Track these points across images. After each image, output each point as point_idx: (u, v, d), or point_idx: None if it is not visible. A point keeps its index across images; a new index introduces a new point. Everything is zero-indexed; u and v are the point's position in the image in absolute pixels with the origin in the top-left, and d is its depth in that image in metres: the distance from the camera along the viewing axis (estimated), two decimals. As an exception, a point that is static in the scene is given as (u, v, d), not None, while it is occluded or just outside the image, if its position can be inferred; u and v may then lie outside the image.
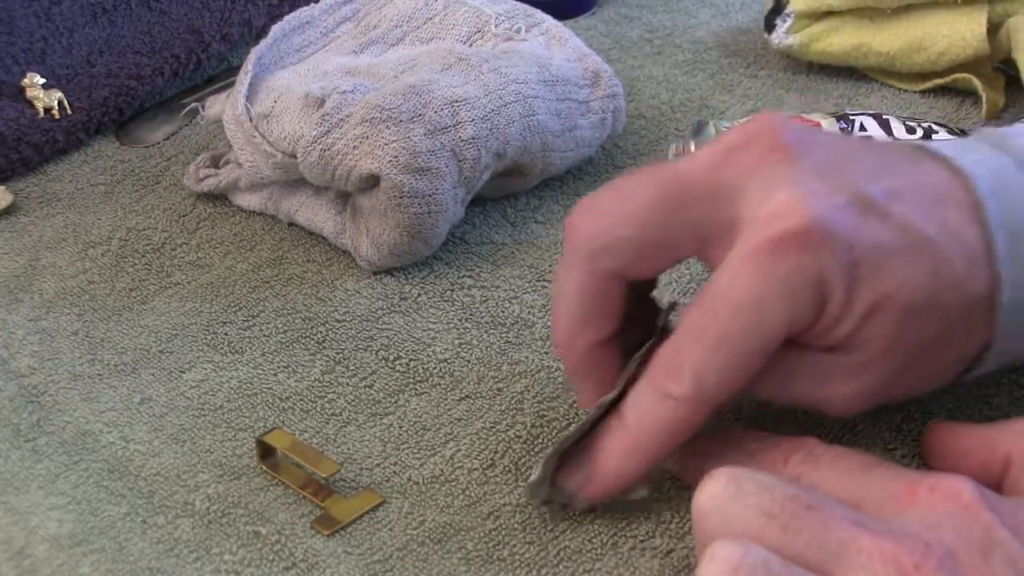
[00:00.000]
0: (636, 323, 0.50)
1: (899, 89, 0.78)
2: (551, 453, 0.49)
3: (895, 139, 0.68)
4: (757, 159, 0.46)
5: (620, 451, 0.48)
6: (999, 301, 0.47)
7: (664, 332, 0.49)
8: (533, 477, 0.49)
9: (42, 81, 0.74)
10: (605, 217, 0.48)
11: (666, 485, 0.51)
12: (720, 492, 0.42)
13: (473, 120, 0.62)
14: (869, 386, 0.47)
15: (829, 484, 0.44)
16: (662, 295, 0.53)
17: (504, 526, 0.50)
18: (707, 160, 0.47)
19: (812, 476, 0.45)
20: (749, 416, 0.54)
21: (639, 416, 0.47)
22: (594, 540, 0.49)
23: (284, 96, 0.64)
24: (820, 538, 0.41)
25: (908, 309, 0.45)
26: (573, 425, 0.54)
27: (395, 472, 0.53)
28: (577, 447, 0.49)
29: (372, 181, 0.61)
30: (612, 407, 0.48)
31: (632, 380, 0.48)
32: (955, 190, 0.47)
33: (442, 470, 0.53)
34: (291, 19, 0.71)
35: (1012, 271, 0.47)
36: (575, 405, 0.55)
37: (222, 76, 0.79)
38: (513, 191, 0.69)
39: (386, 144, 0.60)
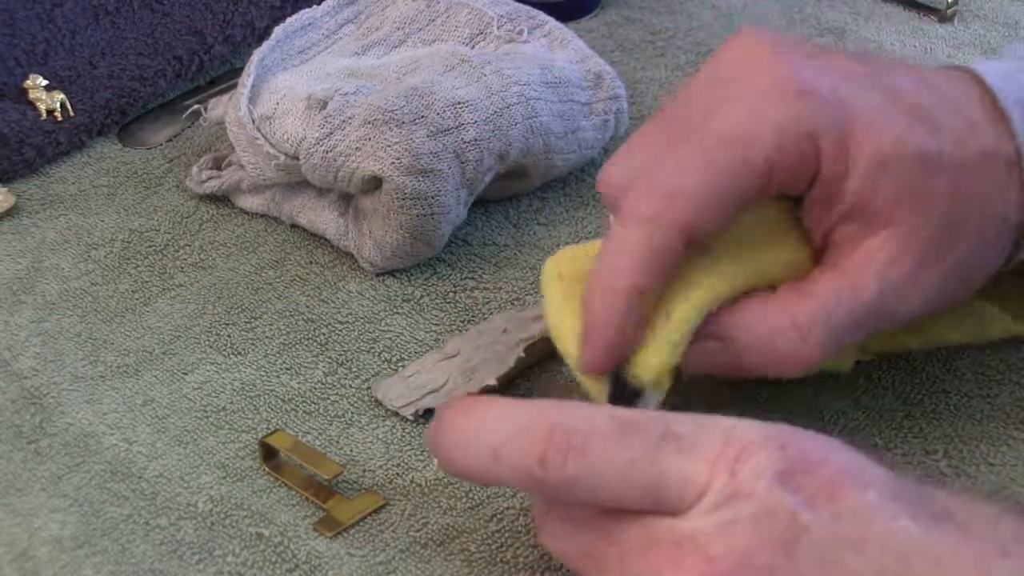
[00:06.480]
0: None
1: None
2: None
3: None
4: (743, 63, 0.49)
5: (598, 293, 0.47)
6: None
7: None
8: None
9: (44, 83, 0.74)
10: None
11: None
12: None
13: (475, 122, 0.62)
14: (910, 252, 0.47)
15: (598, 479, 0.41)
16: None
17: (507, 528, 0.50)
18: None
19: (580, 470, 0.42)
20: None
21: (605, 251, 0.47)
22: (597, 542, 0.49)
23: (286, 98, 0.64)
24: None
25: (912, 160, 0.46)
26: None
27: (398, 474, 0.53)
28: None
29: (375, 183, 0.61)
30: None
31: None
32: (951, 79, 0.49)
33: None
34: (293, 21, 0.71)
35: None
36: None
37: (224, 78, 0.79)
38: (515, 193, 0.69)
39: (388, 146, 0.60)
